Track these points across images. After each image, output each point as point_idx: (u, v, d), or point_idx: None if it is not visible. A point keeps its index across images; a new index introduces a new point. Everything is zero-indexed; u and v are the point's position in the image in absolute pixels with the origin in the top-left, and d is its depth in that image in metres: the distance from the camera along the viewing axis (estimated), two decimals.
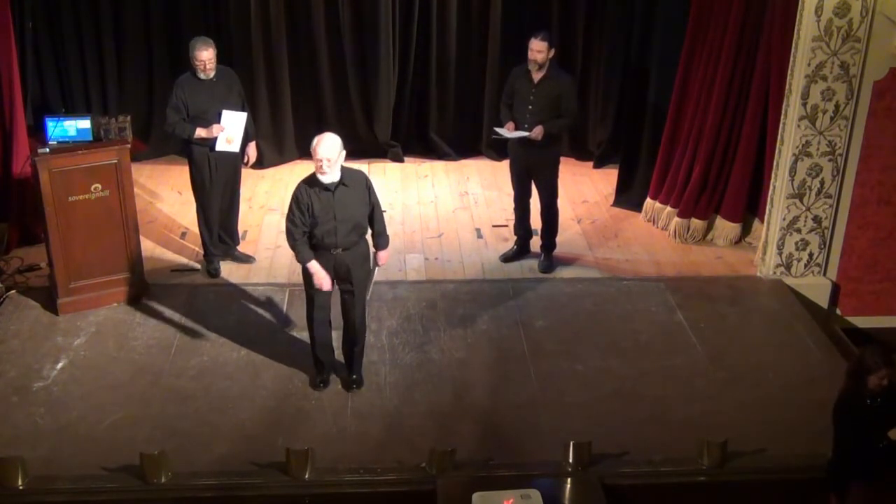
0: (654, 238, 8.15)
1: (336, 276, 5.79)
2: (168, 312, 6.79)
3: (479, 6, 9.17)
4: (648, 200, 8.36)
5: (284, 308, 6.89)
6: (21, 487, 5.17)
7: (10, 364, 6.21)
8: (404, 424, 5.75)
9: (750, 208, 7.93)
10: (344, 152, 5.56)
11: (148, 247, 7.53)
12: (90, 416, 5.74)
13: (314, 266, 5.65)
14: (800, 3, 6.73)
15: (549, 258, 7.55)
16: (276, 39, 8.96)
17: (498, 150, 9.28)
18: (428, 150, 9.68)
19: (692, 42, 7.70)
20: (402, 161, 9.55)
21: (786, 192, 7.17)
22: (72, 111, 8.13)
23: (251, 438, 5.59)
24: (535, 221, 7.56)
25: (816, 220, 7.25)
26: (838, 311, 7.50)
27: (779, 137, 7.16)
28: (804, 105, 6.90)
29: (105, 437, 5.58)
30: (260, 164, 8.58)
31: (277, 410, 5.86)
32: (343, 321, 6.01)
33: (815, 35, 6.69)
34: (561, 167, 7.38)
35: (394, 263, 7.41)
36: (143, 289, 6.94)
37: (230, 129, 6.90)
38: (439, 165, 9.53)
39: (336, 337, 6.14)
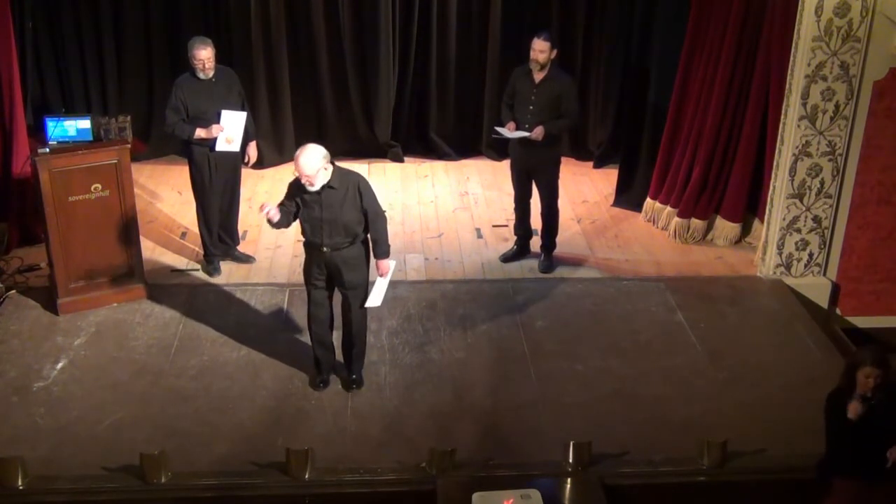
0: (654, 238, 8.15)
1: (329, 275, 5.78)
2: (168, 312, 6.79)
3: (479, 6, 9.17)
4: (648, 200, 8.36)
5: (284, 308, 6.89)
6: (21, 487, 5.18)
7: (10, 364, 6.21)
8: (404, 424, 5.75)
9: (750, 208, 7.93)
10: (328, 160, 5.48)
11: (148, 247, 7.53)
12: (90, 416, 5.74)
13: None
14: (800, 3, 6.73)
15: (549, 258, 7.55)
16: (276, 39, 8.96)
17: (498, 150, 9.28)
18: (428, 150, 9.68)
19: (692, 42, 7.70)
20: (402, 161, 9.55)
21: (786, 192, 7.17)
22: (72, 111, 8.13)
23: (251, 438, 5.59)
24: (536, 221, 7.56)
25: (816, 220, 7.25)
26: (838, 311, 7.50)
27: (779, 137, 7.16)
28: (804, 105, 6.90)
29: (105, 437, 5.58)
30: (260, 164, 8.58)
31: (277, 410, 5.86)
32: (342, 321, 6.00)
33: (815, 35, 6.69)
34: (561, 167, 7.38)
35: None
36: (143, 289, 6.94)
37: (230, 129, 6.90)
38: (439, 165, 9.53)
39: (336, 337, 6.14)
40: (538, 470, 5.35)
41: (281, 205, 5.69)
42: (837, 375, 4.79)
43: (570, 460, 5.36)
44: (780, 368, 6.34)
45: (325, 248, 5.64)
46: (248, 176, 8.44)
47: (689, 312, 6.94)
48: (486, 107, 9.39)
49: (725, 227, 7.97)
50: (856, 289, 7.45)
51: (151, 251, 7.58)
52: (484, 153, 9.70)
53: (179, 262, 7.53)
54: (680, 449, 5.52)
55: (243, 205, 7.77)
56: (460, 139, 9.65)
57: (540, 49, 6.89)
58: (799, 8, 6.75)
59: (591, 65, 9.37)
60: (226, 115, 6.87)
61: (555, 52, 6.96)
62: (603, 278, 7.47)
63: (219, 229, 7.31)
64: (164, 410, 5.82)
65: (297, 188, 5.62)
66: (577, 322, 6.83)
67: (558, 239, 7.59)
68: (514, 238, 7.72)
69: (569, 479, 5.31)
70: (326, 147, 5.59)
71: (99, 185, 6.60)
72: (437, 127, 9.60)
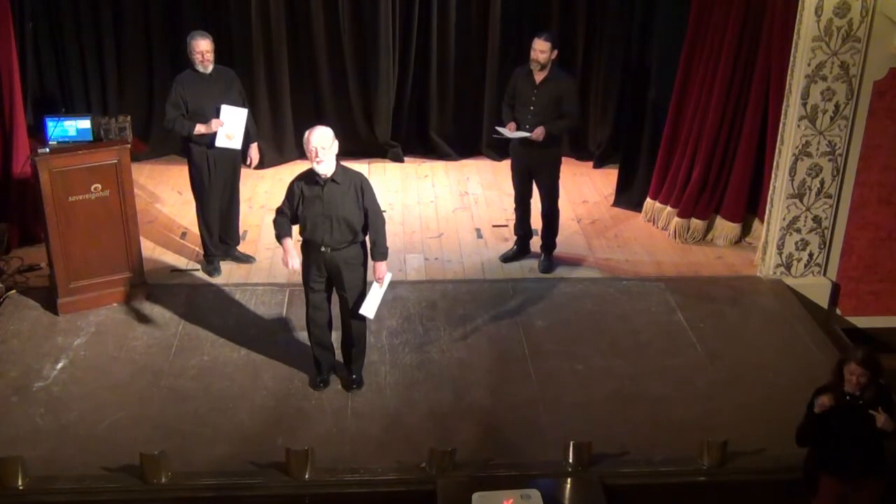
0: (654, 238, 8.15)
1: (329, 275, 5.78)
2: (168, 312, 6.79)
3: (479, 6, 9.17)
4: (648, 200, 8.36)
5: (284, 308, 6.89)
6: (21, 487, 5.18)
7: (10, 364, 6.21)
8: (404, 424, 5.75)
9: (750, 208, 7.93)
10: (337, 143, 5.56)
11: (148, 247, 7.54)
12: (90, 416, 5.74)
13: (287, 242, 5.71)
14: (800, 3, 6.73)
15: (549, 258, 7.55)
16: (276, 39, 8.96)
17: (498, 149, 9.29)
18: (428, 150, 9.68)
19: (692, 42, 7.71)
20: (402, 161, 9.55)
21: (786, 192, 7.17)
22: (72, 111, 8.13)
23: (251, 438, 5.59)
24: (536, 221, 7.56)
25: (816, 220, 7.25)
26: (838, 311, 7.50)
27: (779, 137, 7.16)
28: (804, 105, 6.90)
29: (105, 437, 5.58)
30: (260, 164, 8.57)
31: (277, 410, 5.86)
32: (342, 322, 6.00)
33: (815, 35, 6.69)
34: (561, 167, 7.37)
35: (394, 263, 7.39)
36: (143, 289, 6.94)
37: (230, 125, 6.89)
38: (439, 165, 9.53)
39: (336, 338, 6.14)
40: (538, 470, 5.36)
41: (280, 212, 5.71)
42: None
43: (570, 460, 5.36)
44: (780, 368, 6.34)
45: (324, 248, 5.64)
46: (248, 176, 8.44)
47: (689, 312, 6.94)
48: (486, 107, 9.39)
49: (725, 227, 7.97)
50: (856, 289, 7.45)
51: (151, 251, 7.58)
52: (484, 153, 9.70)
53: (179, 262, 7.53)
54: (680, 449, 5.52)
55: (243, 205, 7.77)
56: (460, 139, 9.65)
57: (540, 49, 6.89)
58: (799, 8, 6.75)
59: (591, 65, 9.37)
60: (226, 109, 6.86)
61: (555, 52, 6.96)
62: (603, 278, 7.47)
63: (219, 229, 7.31)
64: (163, 410, 5.82)
65: (297, 187, 5.62)
66: (577, 322, 6.84)
67: (558, 239, 7.59)
68: (514, 238, 7.73)
69: (569, 479, 5.31)
70: None
71: (99, 185, 6.60)
72: (437, 127, 9.60)
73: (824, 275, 7.43)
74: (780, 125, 7.12)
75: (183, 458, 5.37)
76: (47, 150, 6.48)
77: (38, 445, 5.48)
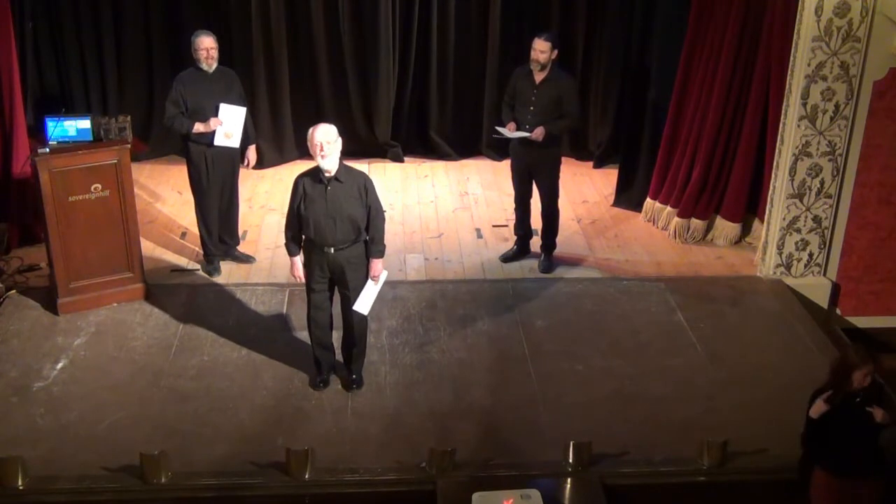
0: (654, 238, 8.15)
1: (331, 276, 5.79)
2: (168, 312, 6.79)
3: (479, 6, 9.17)
4: (648, 200, 8.36)
5: (284, 308, 6.89)
6: (21, 487, 5.18)
7: (10, 364, 6.21)
8: (404, 424, 5.75)
9: (750, 208, 7.93)
10: (341, 140, 5.58)
11: (148, 247, 7.53)
12: (90, 416, 5.74)
13: (296, 261, 5.83)
14: (800, 3, 6.73)
15: (549, 258, 7.55)
16: (276, 39, 8.96)
17: (498, 149, 9.29)
18: (428, 150, 9.68)
19: (692, 42, 7.71)
20: (402, 161, 9.56)
21: (786, 192, 7.17)
22: (72, 111, 8.12)
23: (251, 438, 5.59)
24: (536, 221, 7.56)
25: (816, 220, 7.25)
26: (838, 311, 7.50)
27: (779, 137, 7.16)
28: (804, 105, 6.90)
29: (105, 437, 5.58)
30: (260, 164, 8.58)
31: (277, 410, 5.86)
32: (343, 323, 6.00)
33: (815, 35, 6.69)
34: (561, 167, 7.38)
35: (394, 263, 7.41)
36: (143, 289, 6.94)
37: (228, 124, 6.89)
38: (439, 165, 9.54)
39: (337, 338, 6.14)
40: (538, 470, 5.36)
41: (288, 228, 5.77)
42: None
43: (570, 460, 5.36)
44: (780, 368, 6.34)
45: (327, 248, 5.65)
46: (248, 176, 8.45)
47: (689, 312, 6.94)
48: (486, 107, 9.39)
49: (725, 227, 7.97)
50: (855, 289, 7.45)
51: (151, 251, 7.58)
52: (484, 153, 9.70)
53: (179, 262, 7.53)
54: (680, 449, 5.52)
55: (243, 205, 7.77)
56: (460, 139, 9.66)
57: (541, 49, 6.89)
58: (799, 8, 6.75)
59: (591, 65, 9.38)
60: (224, 108, 6.86)
61: (555, 52, 6.97)
62: (603, 278, 7.47)
63: (219, 229, 7.31)
64: (163, 410, 5.82)
65: (301, 185, 5.64)
66: (577, 322, 6.83)
67: (558, 239, 7.59)
68: (514, 238, 7.72)
69: (569, 479, 5.31)
70: None
71: (99, 185, 6.60)
72: (437, 127, 9.60)
73: (824, 275, 7.43)
74: (780, 125, 7.12)
75: (183, 458, 5.37)
76: (47, 150, 6.48)
77: (38, 445, 5.48)
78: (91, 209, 6.62)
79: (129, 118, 6.79)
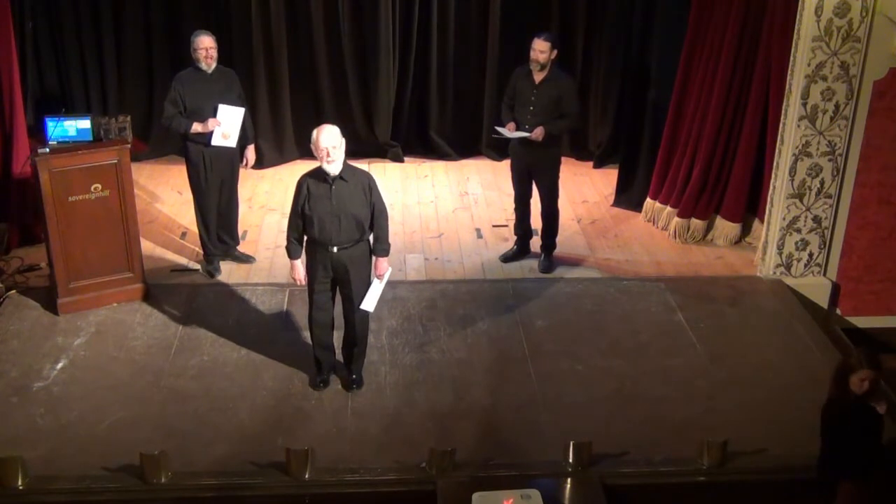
0: (654, 238, 8.15)
1: (334, 275, 5.79)
2: (168, 312, 6.79)
3: (479, 6, 9.18)
4: (648, 200, 8.36)
5: (284, 308, 6.89)
6: (21, 487, 5.17)
7: (10, 364, 6.21)
8: (404, 424, 5.75)
9: (750, 208, 7.93)
10: (344, 140, 5.60)
11: (148, 247, 7.53)
12: (90, 416, 5.74)
13: (297, 263, 5.85)
14: (800, 3, 6.73)
15: (549, 258, 7.55)
16: (276, 39, 8.97)
17: (498, 149, 9.29)
18: (428, 150, 9.69)
19: (692, 42, 7.71)
20: (402, 161, 9.56)
21: (786, 192, 7.17)
22: (72, 111, 8.13)
23: (251, 438, 5.59)
24: (536, 221, 7.56)
25: (816, 220, 7.25)
26: (838, 311, 7.50)
27: (779, 137, 7.16)
28: (804, 105, 6.90)
29: (105, 437, 5.58)
30: (260, 164, 8.59)
31: (277, 410, 5.85)
32: (344, 322, 6.01)
33: (815, 35, 6.69)
34: (561, 167, 7.38)
35: (394, 263, 7.38)
36: (143, 289, 6.94)
37: (226, 124, 6.89)
38: (439, 165, 9.54)
39: (337, 337, 6.14)
40: (538, 470, 5.35)
41: (291, 229, 5.75)
42: None
43: (570, 460, 5.36)
44: (780, 368, 6.34)
45: (331, 247, 5.65)
46: (248, 176, 8.45)
47: (689, 312, 6.94)
48: (486, 107, 9.40)
49: (725, 227, 7.97)
50: (855, 289, 7.45)
51: (151, 251, 7.58)
52: (484, 153, 9.70)
53: (179, 262, 7.54)
54: (680, 449, 5.51)
55: (243, 205, 7.77)
56: (460, 139, 9.66)
57: (540, 49, 6.89)
58: (799, 8, 6.75)
59: (591, 65, 9.38)
60: (223, 109, 6.86)
61: (555, 52, 6.97)
62: (603, 278, 7.47)
63: (218, 229, 7.31)
64: (163, 410, 5.82)
65: (305, 185, 5.64)
66: (577, 322, 6.83)
67: (558, 239, 7.60)
68: (514, 238, 7.73)
69: (569, 479, 5.31)
70: None
71: (99, 185, 6.60)
72: (437, 127, 9.61)
73: (824, 275, 7.43)
74: (780, 125, 7.12)
75: (183, 458, 5.36)
76: (47, 150, 6.48)
77: (38, 445, 5.47)
78: (91, 209, 6.62)
79: (129, 118, 6.79)
